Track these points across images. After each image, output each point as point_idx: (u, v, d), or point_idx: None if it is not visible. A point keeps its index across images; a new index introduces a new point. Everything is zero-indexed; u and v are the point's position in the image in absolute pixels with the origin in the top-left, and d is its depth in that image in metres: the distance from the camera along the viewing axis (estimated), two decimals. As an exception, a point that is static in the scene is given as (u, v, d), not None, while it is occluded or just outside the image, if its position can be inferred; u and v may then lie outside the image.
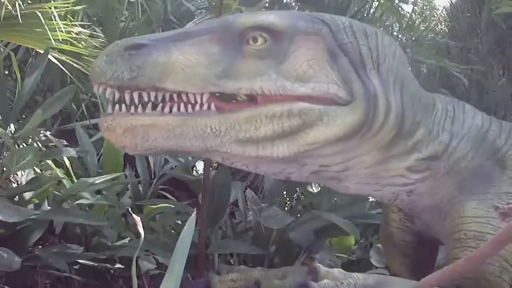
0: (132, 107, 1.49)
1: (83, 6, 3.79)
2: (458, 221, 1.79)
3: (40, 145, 2.84)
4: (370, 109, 1.62)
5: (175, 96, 1.49)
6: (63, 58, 3.20)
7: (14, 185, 2.72)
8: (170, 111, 1.49)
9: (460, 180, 1.84)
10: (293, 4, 3.90)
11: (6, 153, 2.63)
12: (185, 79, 1.47)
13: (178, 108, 1.50)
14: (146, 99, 1.48)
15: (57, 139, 2.97)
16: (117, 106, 1.50)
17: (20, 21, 2.83)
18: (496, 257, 1.68)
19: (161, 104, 1.50)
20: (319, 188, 3.78)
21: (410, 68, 1.84)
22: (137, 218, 1.31)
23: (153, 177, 3.13)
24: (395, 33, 5.78)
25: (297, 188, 3.06)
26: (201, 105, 1.50)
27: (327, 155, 1.64)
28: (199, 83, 1.48)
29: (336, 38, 1.63)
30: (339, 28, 1.65)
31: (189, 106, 1.50)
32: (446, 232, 1.85)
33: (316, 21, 1.64)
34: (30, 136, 2.79)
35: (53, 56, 3.15)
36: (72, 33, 3.23)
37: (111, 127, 1.49)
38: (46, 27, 2.88)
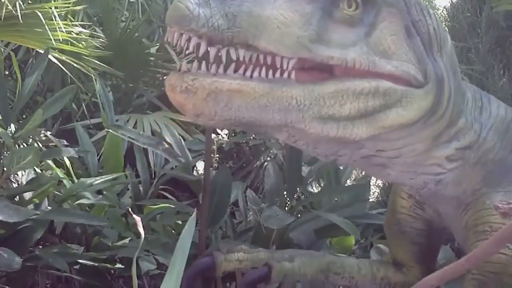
0: (213, 67, 1.26)
1: (83, 6, 3.79)
2: (483, 213, 1.76)
3: (40, 145, 2.84)
4: (437, 95, 1.54)
5: (261, 57, 1.29)
6: (63, 58, 3.20)
7: (15, 185, 2.72)
8: (251, 76, 1.29)
9: (486, 172, 1.80)
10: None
11: (6, 153, 2.62)
12: (280, 39, 1.28)
13: (259, 73, 1.30)
14: (234, 57, 1.26)
15: (57, 139, 2.97)
16: (195, 63, 1.26)
17: (20, 21, 2.82)
18: None
19: (243, 66, 1.28)
20: (319, 188, 3.78)
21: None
22: (137, 218, 1.31)
23: (153, 177, 3.13)
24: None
25: (297, 188, 3.06)
26: (283, 71, 1.31)
27: (390, 139, 1.55)
28: (293, 45, 1.30)
29: (410, 14, 1.53)
30: (411, 3, 1.54)
31: (270, 72, 1.31)
32: (466, 225, 1.83)
33: None
34: (31, 136, 2.79)
35: (53, 56, 3.15)
36: (72, 33, 3.23)
37: (192, 88, 1.24)
38: (46, 27, 2.88)
